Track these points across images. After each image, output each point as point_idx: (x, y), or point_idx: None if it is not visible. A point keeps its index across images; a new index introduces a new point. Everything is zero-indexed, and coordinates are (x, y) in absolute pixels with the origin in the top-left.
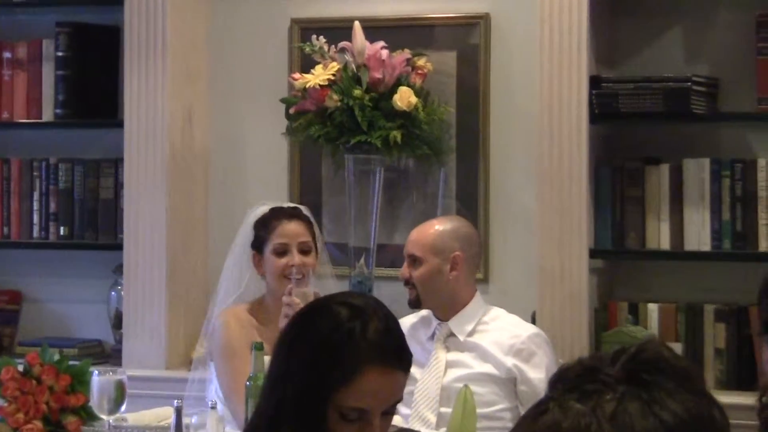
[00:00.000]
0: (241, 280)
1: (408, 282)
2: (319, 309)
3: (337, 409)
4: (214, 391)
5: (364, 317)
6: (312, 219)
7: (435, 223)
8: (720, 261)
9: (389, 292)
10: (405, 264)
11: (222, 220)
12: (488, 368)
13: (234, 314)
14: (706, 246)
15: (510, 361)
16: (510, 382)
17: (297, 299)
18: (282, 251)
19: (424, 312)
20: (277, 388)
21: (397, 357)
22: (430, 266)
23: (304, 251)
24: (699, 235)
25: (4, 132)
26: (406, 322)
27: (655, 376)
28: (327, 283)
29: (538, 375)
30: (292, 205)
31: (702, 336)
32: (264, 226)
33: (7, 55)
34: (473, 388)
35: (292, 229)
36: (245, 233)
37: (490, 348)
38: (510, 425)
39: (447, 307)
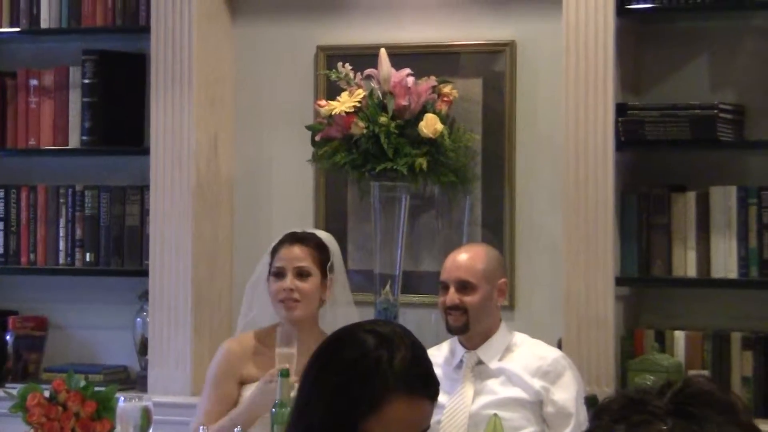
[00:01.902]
0: (251, 305)
1: (457, 308)
2: (345, 337)
3: None
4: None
5: (391, 345)
6: (328, 244)
7: (477, 249)
8: (747, 289)
9: (414, 319)
10: (451, 290)
11: (247, 247)
12: (516, 392)
13: (236, 343)
14: (732, 273)
15: (538, 384)
16: (537, 405)
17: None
18: (278, 274)
19: (446, 345)
20: (304, 416)
21: (424, 385)
22: (483, 292)
23: (301, 275)
24: (725, 263)
25: (30, 159)
26: (431, 353)
27: (703, 409)
28: (347, 310)
29: (565, 395)
30: (309, 230)
31: (729, 364)
32: (273, 251)
33: (33, 82)
34: (501, 413)
35: (291, 252)
36: (264, 261)
37: (517, 371)
38: None
39: (482, 335)
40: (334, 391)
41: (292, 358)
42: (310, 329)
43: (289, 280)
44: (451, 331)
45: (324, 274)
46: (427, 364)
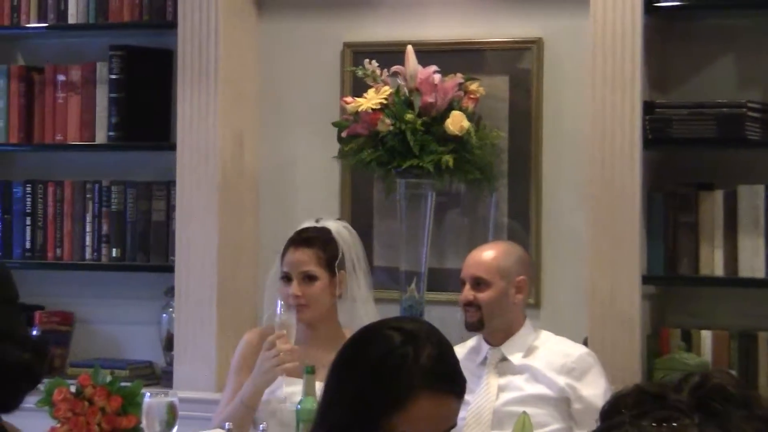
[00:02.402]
0: (270, 302)
1: (471, 304)
2: (371, 334)
3: None
4: (262, 412)
5: (417, 342)
6: (338, 238)
7: (496, 246)
8: None
9: (440, 316)
10: (467, 286)
11: (272, 243)
12: (541, 389)
13: (255, 334)
14: (760, 272)
15: (563, 381)
16: (563, 402)
17: (281, 347)
18: (285, 278)
19: (471, 342)
20: (330, 413)
21: (450, 382)
22: (497, 289)
23: (306, 279)
24: (753, 262)
25: (57, 154)
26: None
27: (726, 404)
28: (366, 305)
29: (593, 391)
30: (321, 223)
31: (756, 363)
32: (282, 253)
33: (61, 77)
34: (526, 410)
35: (295, 257)
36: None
37: (541, 368)
38: None
39: (503, 332)
40: (360, 389)
41: (291, 327)
42: (327, 326)
43: (295, 287)
44: (467, 327)
45: (333, 272)
46: (454, 361)
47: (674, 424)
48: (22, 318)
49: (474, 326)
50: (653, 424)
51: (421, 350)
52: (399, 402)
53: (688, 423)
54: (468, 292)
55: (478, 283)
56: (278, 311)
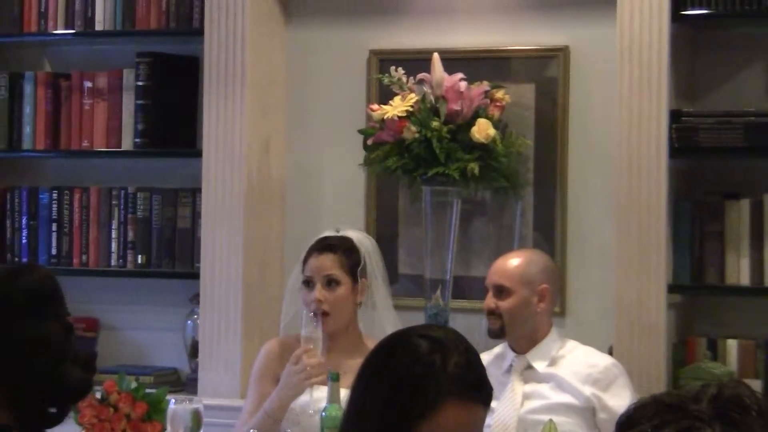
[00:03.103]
0: (289, 308)
1: (493, 312)
2: (398, 342)
3: None
4: (286, 420)
5: (445, 350)
6: (360, 246)
7: (520, 254)
8: None
9: (465, 324)
10: (489, 294)
11: (297, 250)
12: (566, 398)
13: (275, 343)
14: None
15: (588, 390)
16: (588, 412)
17: (309, 361)
18: (307, 283)
19: (497, 349)
20: (356, 421)
21: (477, 390)
22: (519, 297)
23: (329, 284)
24: None
25: (83, 160)
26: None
27: (744, 415)
28: (386, 312)
29: (619, 402)
30: (342, 232)
31: None
32: (304, 259)
33: (87, 84)
34: (552, 418)
35: (318, 262)
36: (298, 267)
37: (567, 377)
38: None
39: (527, 340)
40: (386, 396)
41: (318, 340)
42: (349, 332)
43: (318, 291)
44: (489, 334)
45: (355, 279)
46: (481, 369)
47: None
48: (73, 333)
49: (496, 333)
50: None
51: (449, 358)
52: (426, 410)
53: None
54: (490, 300)
55: (500, 291)
56: (304, 325)
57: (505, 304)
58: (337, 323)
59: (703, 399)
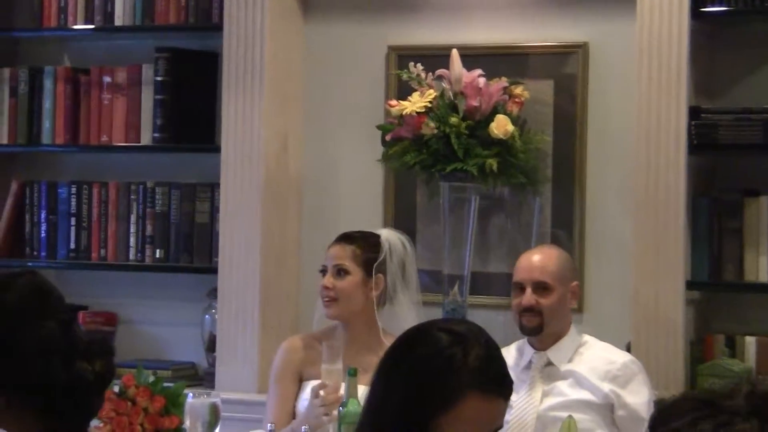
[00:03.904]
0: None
1: (531, 309)
2: (419, 335)
3: None
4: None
5: (466, 343)
6: (385, 244)
7: (551, 251)
8: None
9: (483, 321)
10: (528, 291)
11: (315, 245)
12: (584, 395)
13: (295, 340)
14: None
15: (607, 387)
16: (606, 408)
17: (328, 397)
18: (323, 271)
19: (515, 345)
20: (376, 414)
21: (498, 384)
22: (559, 294)
23: (339, 273)
24: None
25: (102, 155)
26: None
27: None
28: (409, 311)
29: (637, 399)
30: (372, 229)
31: None
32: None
33: (107, 79)
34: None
35: (333, 251)
36: None
37: (585, 374)
38: None
39: (553, 336)
40: (407, 389)
41: (338, 374)
42: (365, 327)
43: (327, 278)
44: (525, 332)
45: (369, 273)
46: (502, 363)
47: (736, 428)
48: (76, 326)
49: (534, 331)
50: (713, 429)
51: (470, 351)
52: (447, 403)
53: (748, 427)
54: (530, 297)
55: (541, 288)
56: (324, 358)
57: (546, 302)
58: (342, 309)
59: (737, 395)
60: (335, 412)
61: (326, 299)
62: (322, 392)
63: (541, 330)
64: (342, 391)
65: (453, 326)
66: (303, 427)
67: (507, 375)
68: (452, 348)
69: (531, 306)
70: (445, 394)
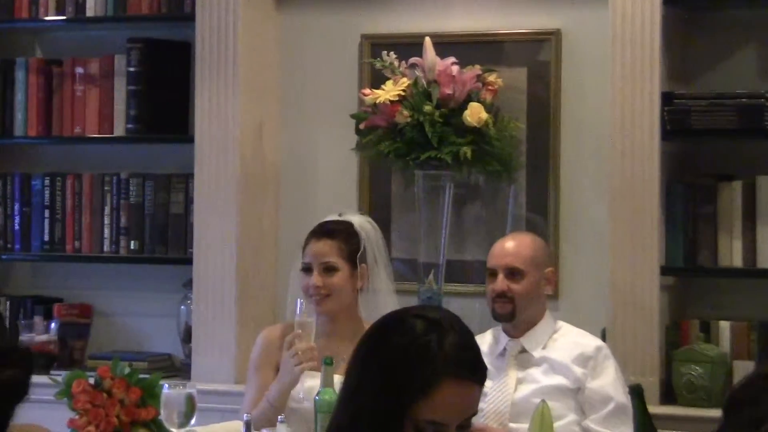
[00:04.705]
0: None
1: (503, 295)
2: (393, 322)
3: (413, 422)
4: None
5: (441, 330)
6: (361, 231)
7: (525, 237)
8: None
9: (458, 308)
10: (500, 277)
11: (291, 235)
12: (558, 380)
13: (273, 330)
14: None
15: (579, 370)
16: (578, 392)
17: (299, 345)
18: (306, 270)
19: (490, 333)
20: (353, 401)
21: (473, 370)
22: (532, 280)
23: (327, 270)
24: None
25: (76, 147)
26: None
27: None
28: (387, 298)
29: (602, 381)
30: (344, 217)
31: None
32: (304, 245)
33: (79, 70)
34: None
35: (317, 248)
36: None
37: (559, 359)
38: None
39: (527, 323)
40: (382, 377)
41: (309, 325)
42: (349, 319)
43: (315, 277)
44: (497, 318)
45: (354, 265)
46: (476, 349)
47: None
48: (2, 330)
49: (506, 317)
50: None
51: (445, 338)
52: (423, 389)
53: None
54: (502, 282)
55: (513, 274)
56: (297, 311)
57: (518, 287)
58: (334, 304)
59: None
60: (307, 363)
61: (317, 297)
62: (296, 341)
63: (514, 316)
64: (313, 341)
65: (427, 313)
66: (245, 415)
67: (481, 361)
68: (427, 335)
69: (503, 291)
70: (421, 381)
